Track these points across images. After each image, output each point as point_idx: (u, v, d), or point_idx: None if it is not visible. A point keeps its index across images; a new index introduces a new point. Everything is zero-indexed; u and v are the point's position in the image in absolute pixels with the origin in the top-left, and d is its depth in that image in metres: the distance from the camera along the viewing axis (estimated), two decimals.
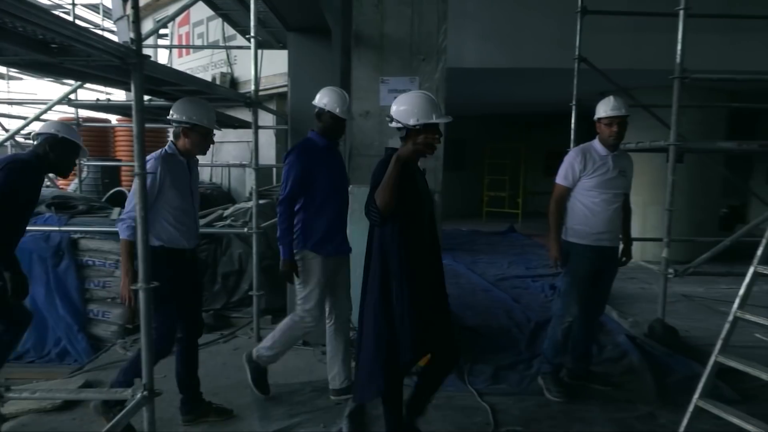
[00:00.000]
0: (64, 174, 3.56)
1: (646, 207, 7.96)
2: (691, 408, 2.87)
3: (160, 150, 3.17)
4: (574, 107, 6.45)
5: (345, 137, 3.84)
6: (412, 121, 2.62)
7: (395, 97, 4.58)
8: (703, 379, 2.88)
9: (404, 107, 2.67)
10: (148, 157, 3.05)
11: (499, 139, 15.12)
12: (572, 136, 6.74)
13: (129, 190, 3.21)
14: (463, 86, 8.59)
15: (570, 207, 3.76)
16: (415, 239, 2.69)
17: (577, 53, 6.15)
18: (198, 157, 3.36)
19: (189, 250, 3.23)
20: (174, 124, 3.17)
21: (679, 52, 4.64)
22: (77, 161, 3.95)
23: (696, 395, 2.87)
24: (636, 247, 7.49)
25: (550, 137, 13.17)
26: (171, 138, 3.26)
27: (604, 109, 3.73)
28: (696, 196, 8.20)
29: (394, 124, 2.69)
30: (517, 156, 14.64)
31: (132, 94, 2.43)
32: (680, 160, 8.18)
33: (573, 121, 6.65)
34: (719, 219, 9.58)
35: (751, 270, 2.84)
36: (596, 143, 3.80)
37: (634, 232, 4.21)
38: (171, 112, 3.16)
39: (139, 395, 2.55)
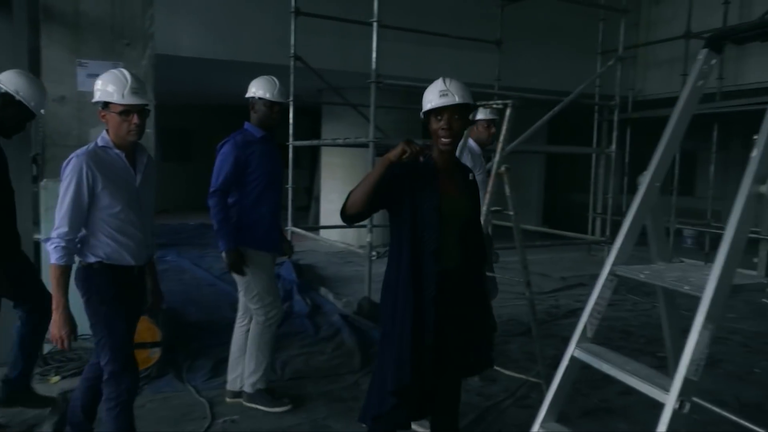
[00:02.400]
0: (6, 135, 3.12)
1: None
2: None
3: (88, 145, 2.50)
4: (291, 103, 6.76)
5: None
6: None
7: (95, 82, 4.26)
8: None
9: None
10: (71, 155, 2.45)
11: (228, 130, 14.95)
12: (291, 131, 7.08)
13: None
14: (182, 75, 8.27)
15: None
16: (426, 257, 2.26)
17: (292, 52, 6.46)
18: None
19: (137, 267, 2.61)
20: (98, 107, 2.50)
21: (374, 58, 5.23)
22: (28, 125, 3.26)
23: None
24: (353, 233, 8.18)
25: (279, 131, 13.51)
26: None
27: (483, 113, 4.04)
28: None
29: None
30: None
31: None
32: None
33: (291, 116, 6.97)
34: None
35: None
36: (472, 143, 4.06)
37: None
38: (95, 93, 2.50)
39: None
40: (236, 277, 3.36)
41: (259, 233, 3.36)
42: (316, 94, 9.52)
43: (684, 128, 1.58)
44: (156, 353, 3.88)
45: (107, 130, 2.52)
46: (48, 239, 2.43)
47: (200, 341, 4.55)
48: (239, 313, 3.60)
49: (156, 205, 3.17)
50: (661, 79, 9.59)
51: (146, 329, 3.90)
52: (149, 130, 4.27)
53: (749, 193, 1.30)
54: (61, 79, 4.02)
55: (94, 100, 2.52)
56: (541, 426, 1.58)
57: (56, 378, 3.80)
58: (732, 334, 5.29)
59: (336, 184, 9.70)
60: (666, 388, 1.28)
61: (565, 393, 1.59)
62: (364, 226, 5.56)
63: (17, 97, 2.92)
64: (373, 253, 5.39)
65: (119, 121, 2.46)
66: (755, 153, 1.31)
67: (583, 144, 9.99)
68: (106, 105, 2.46)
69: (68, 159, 2.46)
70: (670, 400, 1.25)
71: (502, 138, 3.20)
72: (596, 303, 1.58)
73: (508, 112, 3.21)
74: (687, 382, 1.25)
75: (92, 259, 2.49)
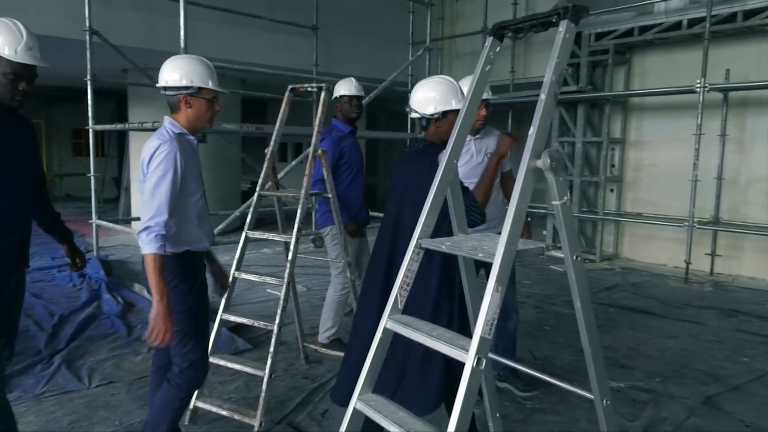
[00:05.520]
0: (17, 105, 2.36)
1: None
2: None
3: (159, 131, 2.44)
4: (89, 82, 6.10)
5: None
6: (430, 110, 2.53)
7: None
8: (212, 338, 3.20)
9: (420, 95, 2.57)
10: (159, 142, 2.36)
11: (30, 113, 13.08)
12: (90, 113, 6.41)
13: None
14: None
15: None
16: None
17: (87, 25, 5.82)
18: None
19: (203, 253, 2.65)
20: (168, 92, 2.46)
21: (182, 36, 4.92)
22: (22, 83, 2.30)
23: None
24: None
25: (75, 114, 12.14)
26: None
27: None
28: (219, 172, 8.98)
29: (414, 115, 2.60)
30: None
31: None
32: (203, 140, 8.79)
33: (90, 97, 6.31)
34: (242, 193, 10.78)
35: (243, 234, 3.31)
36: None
37: None
38: (163, 76, 2.47)
39: None
40: (333, 249, 4.04)
41: (353, 212, 4.05)
42: (121, 74, 8.70)
43: (475, 109, 1.73)
44: None
45: (172, 116, 2.49)
46: (145, 228, 2.28)
47: None
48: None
49: None
50: (464, 70, 10.40)
51: None
52: None
53: (527, 167, 1.47)
54: None
55: (174, 84, 2.47)
56: (359, 398, 1.63)
57: None
58: (527, 298, 6.00)
59: None
60: (466, 348, 1.40)
61: (379, 363, 1.66)
62: None
63: None
64: None
65: (206, 108, 2.50)
66: (532, 131, 1.47)
67: (400, 131, 10.48)
68: (200, 90, 2.45)
69: (155, 147, 2.35)
70: (469, 359, 1.37)
71: (317, 121, 3.22)
72: (405, 275, 1.67)
73: (322, 95, 3.23)
74: (482, 340, 1.38)
75: (181, 249, 2.46)
